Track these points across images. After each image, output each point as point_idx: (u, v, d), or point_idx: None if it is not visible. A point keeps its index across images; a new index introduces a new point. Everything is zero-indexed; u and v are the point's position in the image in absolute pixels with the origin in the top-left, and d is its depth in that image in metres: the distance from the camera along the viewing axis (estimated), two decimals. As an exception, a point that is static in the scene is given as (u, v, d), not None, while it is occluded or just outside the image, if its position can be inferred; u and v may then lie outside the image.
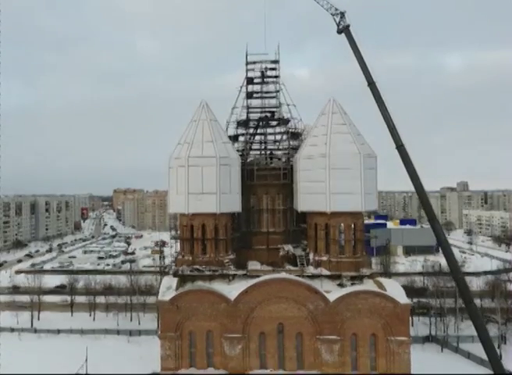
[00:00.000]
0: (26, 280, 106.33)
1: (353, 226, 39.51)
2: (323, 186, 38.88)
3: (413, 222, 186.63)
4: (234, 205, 41.51)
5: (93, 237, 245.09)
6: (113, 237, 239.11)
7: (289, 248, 42.17)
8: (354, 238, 39.44)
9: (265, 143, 47.53)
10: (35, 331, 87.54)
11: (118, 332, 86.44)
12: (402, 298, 33.97)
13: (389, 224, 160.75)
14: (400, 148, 38.28)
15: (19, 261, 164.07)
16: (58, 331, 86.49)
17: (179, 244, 43.23)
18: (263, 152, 48.00)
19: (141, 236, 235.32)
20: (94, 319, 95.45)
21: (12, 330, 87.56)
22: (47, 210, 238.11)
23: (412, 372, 34.19)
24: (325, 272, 38.22)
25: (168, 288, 36.52)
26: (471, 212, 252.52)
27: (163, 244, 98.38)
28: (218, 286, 37.26)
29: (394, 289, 34.72)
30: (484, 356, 69.93)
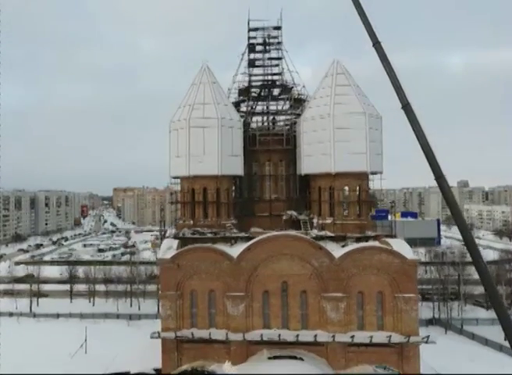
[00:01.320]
0: (25, 270, 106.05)
1: (357, 188, 38.56)
2: (327, 146, 38.00)
3: (414, 215, 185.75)
4: (236, 167, 40.59)
5: (95, 231, 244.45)
6: (113, 232, 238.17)
7: (292, 212, 41.27)
8: (359, 200, 38.48)
9: (267, 108, 46.63)
10: (34, 316, 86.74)
11: (117, 316, 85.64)
12: (409, 254, 33.05)
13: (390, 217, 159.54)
14: (406, 106, 37.28)
15: (27, 251, 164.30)
16: (58, 315, 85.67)
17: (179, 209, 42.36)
18: (265, 119, 47.07)
19: (141, 231, 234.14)
20: (93, 304, 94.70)
21: (11, 314, 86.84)
22: (46, 205, 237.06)
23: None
24: (330, 234, 37.26)
25: (168, 248, 35.62)
26: (472, 206, 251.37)
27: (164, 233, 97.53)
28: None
29: (401, 247, 33.79)
30: (489, 337, 69.88)
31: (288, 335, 32.98)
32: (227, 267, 33.95)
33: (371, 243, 34.91)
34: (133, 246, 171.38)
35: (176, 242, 36.81)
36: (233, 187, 43.48)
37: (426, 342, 32.12)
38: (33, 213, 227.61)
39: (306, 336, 32.71)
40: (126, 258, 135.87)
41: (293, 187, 44.74)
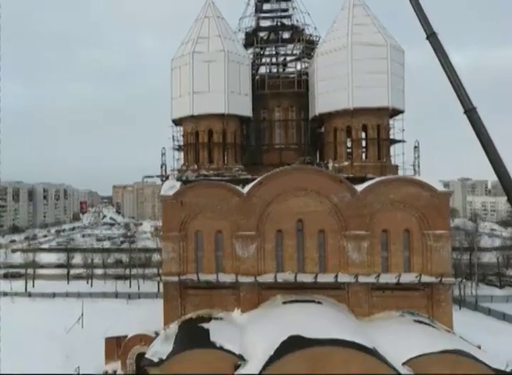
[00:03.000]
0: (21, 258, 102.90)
1: (377, 126, 35.15)
2: (345, 81, 34.56)
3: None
4: (244, 107, 37.12)
5: (95, 223, 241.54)
6: (112, 224, 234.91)
7: (305, 157, 37.84)
8: (379, 140, 35.06)
9: (276, 49, 43.13)
10: (29, 295, 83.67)
11: (116, 295, 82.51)
12: (439, 186, 29.64)
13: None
14: (432, 36, 34.04)
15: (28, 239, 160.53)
16: (54, 295, 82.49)
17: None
18: (274, 61, 43.61)
19: (141, 223, 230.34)
20: (91, 285, 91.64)
21: (6, 294, 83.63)
22: (45, 197, 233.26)
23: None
24: (348, 176, 33.80)
25: (171, 187, 32.20)
26: (475, 198, 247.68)
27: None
28: (228, 192, 32.75)
29: (429, 180, 30.35)
30: (508, 311, 66.62)
31: (304, 278, 29.54)
32: (236, 204, 30.50)
33: (396, 175, 31.41)
34: (133, 236, 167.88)
35: (178, 184, 33.37)
36: (241, 133, 39.98)
37: (461, 282, 28.81)
38: (31, 205, 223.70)
39: (325, 277, 29.28)
40: (125, 246, 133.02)
41: (305, 135, 41.41)
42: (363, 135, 36.16)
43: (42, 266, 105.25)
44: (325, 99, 36.12)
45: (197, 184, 31.45)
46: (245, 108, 37.46)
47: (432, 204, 29.12)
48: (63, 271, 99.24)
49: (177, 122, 39.29)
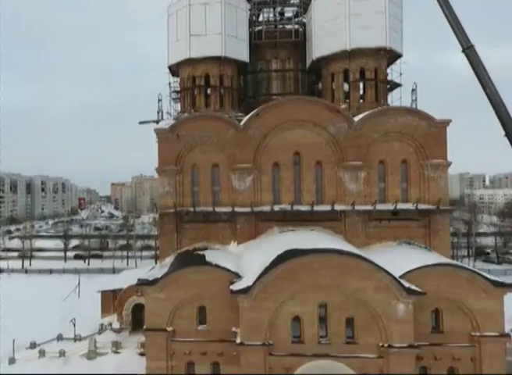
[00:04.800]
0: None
1: (374, 70, 34.96)
2: (342, 22, 34.48)
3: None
4: (240, 51, 36.89)
5: (94, 216, 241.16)
6: (111, 217, 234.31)
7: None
8: (376, 83, 34.86)
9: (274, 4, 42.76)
10: (26, 271, 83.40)
11: (113, 271, 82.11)
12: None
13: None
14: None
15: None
16: (51, 271, 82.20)
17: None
18: (272, 17, 43.29)
19: (139, 216, 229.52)
20: (88, 264, 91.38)
21: (1, 270, 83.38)
22: (43, 190, 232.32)
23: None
24: (345, 117, 33.61)
25: (167, 124, 31.95)
26: (473, 191, 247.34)
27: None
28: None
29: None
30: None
31: (301, 207, 29.30)
32: (232, 136, 30.25)
33: (393, 105, 31.22)
34: (132, 225, 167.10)
35: (173, 122, 33.14)
36: (238, 80, 39.70)
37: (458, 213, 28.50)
38: (29, 198, 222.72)
39: (322, 207, 29.05)
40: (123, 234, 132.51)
41: (303, 86, 41.16)
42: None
43: (40, 250, 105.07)
44: (323, 42, 35.92)
45: (193, 116, 31.29)
46: (242, 53, 37.26)
47: (429, 133, 28.95)
48: (60, 254, 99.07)
49: (174, 70, 39.10)
